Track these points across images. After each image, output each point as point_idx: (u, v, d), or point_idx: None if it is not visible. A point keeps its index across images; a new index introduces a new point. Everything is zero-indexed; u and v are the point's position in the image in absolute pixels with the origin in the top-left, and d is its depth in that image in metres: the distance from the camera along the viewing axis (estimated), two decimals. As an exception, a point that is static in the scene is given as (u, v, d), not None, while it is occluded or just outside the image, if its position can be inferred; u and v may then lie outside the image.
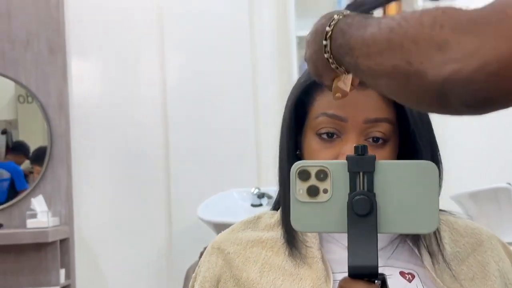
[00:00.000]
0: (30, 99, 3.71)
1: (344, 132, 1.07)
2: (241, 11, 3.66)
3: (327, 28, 0.86)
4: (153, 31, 3.72)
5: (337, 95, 0.94)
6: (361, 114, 1.06)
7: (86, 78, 3.76)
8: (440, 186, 1.08)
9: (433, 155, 1.10)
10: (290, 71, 3.55)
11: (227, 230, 1.21)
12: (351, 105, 1.06)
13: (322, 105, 1.09)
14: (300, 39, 3.55)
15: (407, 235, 1.10)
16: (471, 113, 0.72)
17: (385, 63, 0.75)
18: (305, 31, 3.54)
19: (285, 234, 1.11)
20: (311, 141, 1.10)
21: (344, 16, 0.86)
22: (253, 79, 3.67)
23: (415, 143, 1.09)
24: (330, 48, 0.86)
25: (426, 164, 0.75)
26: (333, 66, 0.87)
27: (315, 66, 0.93)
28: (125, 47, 3.74)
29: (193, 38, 3.68)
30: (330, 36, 0.86)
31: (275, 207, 1.21)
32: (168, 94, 3.69)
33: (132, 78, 3.75)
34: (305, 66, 3.45)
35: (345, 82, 0.93)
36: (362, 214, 0.72)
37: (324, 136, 1.09)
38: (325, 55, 0.87)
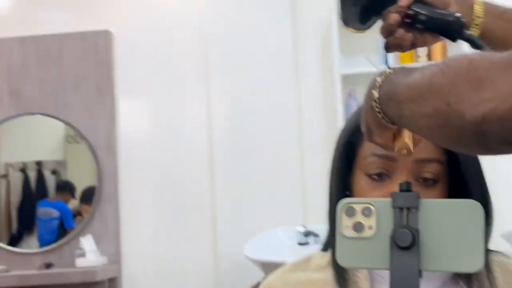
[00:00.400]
0: (78, 139, 3.79)
1: (394, 172, 1.08)
2: (285, 50, 3.70)
3: (378, 78, 0.89)
4: (199, 71, 3.78)
5: (403, 151, 0.95)
6: (411, 154, 1.07)
7: (134, 118, 3.83)
8: (489, 225, 1.08)
9: (483, 195, 1.09)
10: (335, 109, 3.56)
11: (277, 270, 1.21)
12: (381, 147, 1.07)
13: (371, 146, 1.09)
14: (344, 77, 3.56)
15: (459, 276, 1.09)
16: (510, 151, 0.72)
17: (427, 106, 0.76)
18: (349, 69, 3.56)
19: (336, 274, 1.11)
20: (361, 181, 1.11)
21: (395, 69, 0.89)
22: (298, 117, 3.69)
23: (465, 183, 1.08)
24: (378, 97, 0.88)
25: (470, 203, 0.75)
26: (379, 115, 0.88)
27: (367, 120, 0.94)
28: (172, 87, 3.81)
29: (239, 78, 3.73)
30: (380, 86, 0.88)
31: (324, 248, 1.21)
32: (214, 132, 3.72)
33: (178, 117, 3.80)
34: (350, 104, 3.44)
35: (409, 138, 0.94)
36: (404, 246, 0.72)
37: (374, 176, 1.09)
38: (373, 103, 0.89)
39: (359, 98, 3.64)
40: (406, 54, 3.55)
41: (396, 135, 0.95)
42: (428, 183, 1.07)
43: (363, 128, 0.97)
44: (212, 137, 3.73)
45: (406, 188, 0.76)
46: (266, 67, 3.71)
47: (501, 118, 0.68)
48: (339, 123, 3.52)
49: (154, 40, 3.83)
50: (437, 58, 3.50)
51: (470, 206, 0.75)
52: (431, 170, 1.07)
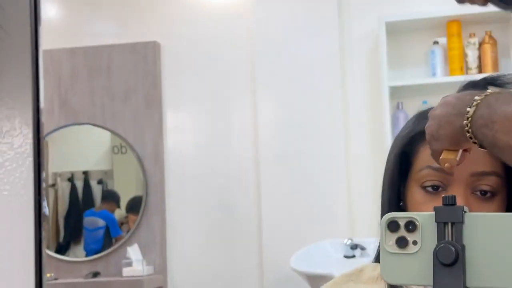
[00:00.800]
0: (124, 149, 3.83)
1: (449, 185, 1.05)
2: (333, 62, 3.68)
3: (477, 97, 0.87)
4: (246, 84, 3.79)
5: (446, 165, 0.95)
6: (468, 167, 1.04)
7: (181, 130, 3.85)
8: None
9: None
10: (382, 121, 3.52)
11: (329, 283, 1.19)
12: (436, 162, 1.05)
13: (427, 158, 1.07)
14: (392, 89, 3.53)
15: None
16: None
17: None
18: (397, 82, 3.53)
19: (389, 286, 1.09)
20: (415, 193, 1.09)
21: (497, 92, 0.87)
22: (345, 129, 3.67)
23: None
24: (472, 116, 0.87)
25: None
26: (468, 134, 0.87)
27: (442, 127, 0.93)
28: (219, 99, 3.82)
29: (285, 91, 3.72)
30: (477, 105, 0.86)
31: (376, 260, 1.19)
32: (260, 144, 3.72)
33: (225, 129, 3.81)
34: (398, 116, 3.39)
35: (456, 154, 0.94)
36: (447, 263, 0.70)
37: (429, 188, 1.07)
38: (464, 122, 0.87)
39: (407, 110, 3.60)
40: (457, 66, 3.50)
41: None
42: (486, 196, 1.05)
43: (430, 134, 0.95)
44: (258, 149, 3.73)
45: (450, 202, 0.73)
46: (314, 79, 3.70)
47: None
48: (387, 135, 3.48)
49: (202, 52, 3.85)
50: (488, 71, 3.43)
51: None
52: (488, 183, 1.04)
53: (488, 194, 1.05)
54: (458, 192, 1.04)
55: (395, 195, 1.12)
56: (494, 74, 1.05)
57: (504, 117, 0.79)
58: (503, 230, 0.72)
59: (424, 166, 1.07)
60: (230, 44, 3.83)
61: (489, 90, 0.87)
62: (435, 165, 1.05)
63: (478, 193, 1.05)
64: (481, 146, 0.87)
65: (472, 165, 1.04)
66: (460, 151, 0.94)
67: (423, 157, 1.08)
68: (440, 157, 0.95)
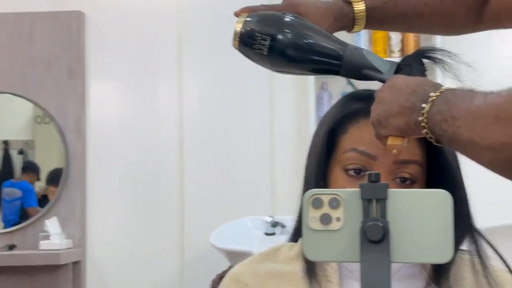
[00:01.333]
0: (47, 119, 3.74)
1: (372, 170, 1.06)
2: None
3: (432, 93, 0.87)
4: (172, 57, 3.74)
5: (393, 151, 0.96)
6: (392, 154, 1.06)
7: (104, 102, 3.79)
8: (470, 229, 1.08)
9: (462, 199, 1.09)
10: (307, 101, 3.56)
11: (245, 261, 1.19)
12: (383, 144, 1.06)
13: (354, 140, 1.08)
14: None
15: (431, 277, 1.09)
16: None
17: (492, 139, 0.75)
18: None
19: (306, 266, 1.10)
20: (337, 176, 1.09)
21: (453, 89, 0.87)
22: (270, 107, 3.68)
23: (443, 186, 1.08)
24: (428, 112, 0.86)
25: (439, 193, 0.75)
26: (424, 131, 0.87)
27: (392, 117, 0.93)
28: (144, 72, 3.77)
29: (212, 67, 3.70)
30: (433, 101, 0.86)
31: (293, 238, 1.20)
32: (185, 120, 3.70)
33: (150, 103, 3.77)
34: (322, 96, 3.43)
35: (403, 141, 0.95)
36: (375, 240, 0.71)
37: (351, 172, 1.08)
38: (419, 118, 0.87)
39: (331, 90, 3.64)
40: (380, 49, 3.55)
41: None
42: (405, 183, 1.07)
43: (376, 118, 0.95)
44: (182, 125, 3.71)
45: (375, 179, 0.74)
46: (241, 57, 3.67)
47: None
48: (311, 115, 3.52)
49: (128, 24, 3.78)
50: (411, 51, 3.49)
51: (439, 196, 0.74)
52: (409, 171, 1.07)
53: (408, 182, 1.07)
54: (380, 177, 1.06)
55: (320, 174, 1.12)
56: (427, 47, 1.06)
57: (467, 113, 0.80)
58: (425, 206, 0.74)
59: (350, 148, 1.08)
60: (158, 17, 3.78)
61: (443, 87, 0.88)
62: (361, 148, 1.07)
63: (398, 179, 1.07)
64: (437, 141, 0.87)
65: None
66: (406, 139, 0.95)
67: (350, 138, 1.09)
68: (388, 143, 0.95)
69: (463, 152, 0.82)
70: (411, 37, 3.56)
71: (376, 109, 0.96)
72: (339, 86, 3.65)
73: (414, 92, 0.89)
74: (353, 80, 3.57)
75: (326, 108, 3.55)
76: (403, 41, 3.57)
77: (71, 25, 3.74)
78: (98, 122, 3.77)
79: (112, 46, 3.79)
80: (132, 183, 3.73)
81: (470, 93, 0.82)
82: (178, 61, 3.73)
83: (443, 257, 0.74)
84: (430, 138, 0.87)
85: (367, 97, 1.11)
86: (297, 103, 3.69)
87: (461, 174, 1.10)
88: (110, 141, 3.76)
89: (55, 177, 3.73)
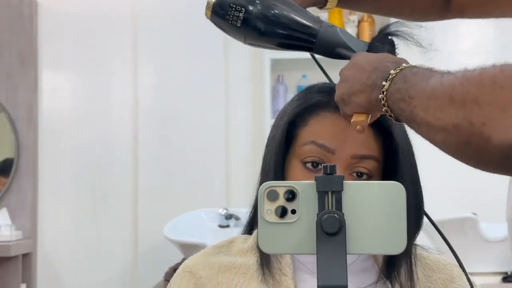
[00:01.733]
0: (-2, 108, 3.68)
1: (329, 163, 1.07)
2: (216, 31, 3.66)
3: (392, 71, 0.87)
4: (127, 48, 3.71)
5: (358, 127, 0.95)
6: (350, 149, 1.06)
7: (57, 92, 3.73)
8: (420, 227, 1.09)
9: (416, 193, 1.10)
10: (263, 94, 3.56)
11: (198, 253, 1.18)
12: (342, 138, 1.06)
13: (313, 132, 1.08)
14: (273, 61, 3.56)
15: (382, 270, 1.10)
16: None
17: (445, 120, 0.76)
18: (278, 54, 3.56)
19: (260, 259, 1.10)
20: (295, 168, 1.09)
21: (412, 66, 0.87)
22: (226, 99, 3.67)
23: (399, 180, 1.09)
24: (387, 89, 0.86)
25: (393, 185, 0.75)
26: (383, 109, 0.87)
27: (354, 95, 0.93)
28: (98, 62, 3.72)
29: (167, 58, 3.68)
30: (392, 78, 0.86)
31: (247, 231, 1.19)
32: (140, 111, 3.67)
33: (103, 93, 3.73)
34: (278, 89, 3.42)
35: (368, 117, 0.95)
36: (331, 232, 0.72)
37: (309, 165, 1.08)
38: (380, 96, 0.87)
39: (287, 83, 3.65)
40: (336, 15, 3.56)
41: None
42: (362, 178, 1.08)
43: (340, 96, 0.95)
44: (137, 116, 3.67)
45: (330, 171, 0.75)
46: (196, 48, 3.67)
47: None
48: (267, 107, 3.52)
49: (82, 13, 3.73)
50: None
51: (392, 188, 0.75)
52: (366, 166, 1.08)
53: (364, 176, 1.08)
54: (337, 172, 1.06)
55: (279, 166, 1.12)
56: (389, 23, 1.06)
57: (423, 93, 0.80)
58: (379, 197, 0.75)
59: (309, 140, 1.08)
60: (112, 7, 3.73)
61: (404, 64, 0.88)
62: (319, 141, 1.07)
63: (355, 174, 1.08)
64: (397, 119, 0.88)
65: (353, 147, 1.07)
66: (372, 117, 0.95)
67: (310, 131, 1.09)
68: (352, 120, 0.96)
69: (419, 132, 0.82)
70: (366, 31, 3.59)
71: (340, 87, 0.96)
72: (294, 79, 3.66)
73: (375, 70, 0.90)
74: (307, 73, 3.59)
75: (281, 100, 3.56)
76: (358, 35, 3.60)
77: (23, 13, 3.67)
78: (50, 112, 3.71)
79: (66, 35, 3.73)
80: (85, 175, 3.69)
81: (428, 72, 0.82)
82: (133, 52, 3.70)
83: (396, 249, 0.74)
84: (390, 116, 0.88)
85: (328, 90, 1.11)
86: (252, 95, 3.69)
87: (416, 171, 1.12)
88: (63, 131, 3.70)
89: (5, 168, 3.66)
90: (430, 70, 0.83)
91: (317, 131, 1.08)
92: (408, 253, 1.10)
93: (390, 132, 1.08)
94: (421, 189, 1.12)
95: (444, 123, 0.76)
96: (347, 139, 1.06)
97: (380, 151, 1.09)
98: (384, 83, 0.87)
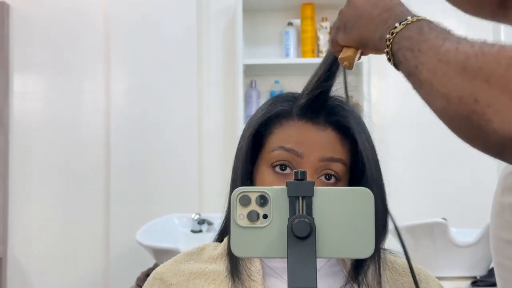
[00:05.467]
0: (-32, 114, 3.64)
1: (298, 167, 1.09)
2: (189, 36, 3.67)
3: (409, 17, 0.83)
4: (99, 51, 3.70)
5: (344, 63, 0.94)
6: (318, 152, 1.08)
7: (28, 96, 3.71)
8: (386, 230, 1.11)
9: (382, 198, 1.12)
10: (236, 99, 3.57)
11: (169, 260, 1.20)
12: (309, 143, 1.08)
13: (280, 139, 1.11)
14: (246, 67, 3.58)
15: (350, 274, 1.11)
16: None
17: (450, 88, 0.73)
18: (251, 60, 3.59)
19: (230, 265, 1.11)
20: (264, 173, 1.11)
21: (430, 21, 0.83)
22: (199, 104, 3.68)
23: (365, 184, 1.11)
24: (398, 33, 0.82)
25: (361, 191, 0.77)
26: (386, 49, 0.84)
27: (358, 26, 0.89)
28: (70, 66, 3.71)
29: (140, 61, 3.67)
30: (407, 24, 0.82)
31: (219, 238, 1.21)
32: (111, 116, 3.65)
33: (75, 97, 3.71)
34: (251, 94, 3.43)
35: (355, 54, 0.93)
36: (302, 236, 0.73)
37: (278, 168, 1.10)
38: (387, 35, 0.83)
39: (260, 88, 3.66)
40: (309, 48, 3.59)
41: (346, 47, 0.93)
42: (329, 180, 1.10)
43: (343, 23, 0.93)
44: (108, 120, 3.66)
45: (301, 177, 0.76)
46: (169, 52, 3.67)
47: None
48: (240, 112, 3.53)
49: (54, 16, 3.71)
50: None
51: (361, 194, 0.77)
52: (334, 168, 1.10)
53: (332, 179, 1.10)
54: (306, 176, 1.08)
55: (246, 174, 1.14)
56: None
57: (435, 53, 0.76)
58: (348, 203, 0.76)
59: (277, 146, 1.11)
60: (84, 11, 3.72)
61: (423, 16, 0.84)
62: (288, 145, 1.09)
63: (323, 177, 1.10)
64: (395, 65, 0.84)
65: (321, 150, 1.09)
66: (359, 52, 0.93)
67: (277, 138, 1.11)
68: (340, 56, 0.95)
69: (417, 89, 0.79)
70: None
71: (345, 13, 0.93)
72: (267, 85, 3.68)
73: (389, 9, 0.86)
74: (280, 79, 3.60)
75: (254, 106, 3.57)
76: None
77: (-6, 16, 3.64)
78: (21, 116, 3.68)
79: (38, 39, 3.71)
80: (57, 179, 3.66)
81: (446, 33, 0.79)
82: (105, 56, 3.69)
83: (364, 252, 0.76)
84: (389, 59, 0.84)
85: (291, 99, 1.14)
86: (225, 100, 3.70)
87: (380, 174, 1.14)
88: (34, 135, 3.68)
89: (-25, 172, 3.62)
90: (448, 32, 0.79)
91: (284, 138, 1.10)
92: (376, 256, 1.12)
93: (355, 138, 1.10)
94: (385, 193, 1.14)
95: (448, 91, 0.73)
96: (315, 144, 1.09)
97: (347, 155, 1.11)
98: (397, 24, 0.83)
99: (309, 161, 1.09)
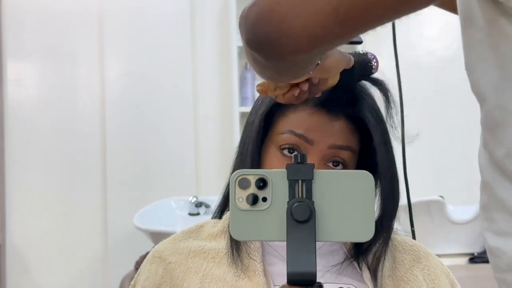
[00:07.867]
0: (-38, 101, 3.63)
1: (307, 153, 1.08)
2: (183, 20, 3.66)
3: None
4: (93, 37, 3.68)
5: (258, 88, 0.98)
6: (327, 140, 1.08)
7: (23, 82, 3.69)
8: (394, 218, 1.11)
9: (394, 190, 1.12)
10: (231, 81, 3.56)
11: (168, 239, 1.20)
12: (320, 131, 1.08)
13: (292, 123, 1.10)
14: (241, 49, 3.56)
15: (350, 252, 1.11)
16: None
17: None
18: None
19: (231, 243, 1.11)
20: (272, 154, 1.11)
21: None
22: (194, 88, 3.67)
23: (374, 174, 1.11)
24: None
25: (362, 174, 0.77)
26: None
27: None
28: (64, 51, 3.69)
29: (134, 45, 3.66)
30: None
31: (217, 215, 1.20)
32: (107, 100, 3.64)
33: (70, 83, 3.70)
34: (246, 76, 3.42)
35: (273, 85, 0.96)
36: (301, 220, 0.73)
37: (286, 151, 1.10)
38: None
39: (254, 70, 3.65)
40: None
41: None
42: (337, 167, 1.10)
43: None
44: (104, 105, 3.65)
45: (301, 160, 0.76)
46: (163, 36, 3.65)
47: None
48: (235, 95, 3.52)
49: (47, 1, 3.68)
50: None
51: (361, 177, 0.76)
52: (342, 156, 1.10)
53: (339, 166, 1.10)
54: (314, 161, 1.08)
55: (256, 153, 1.13)
56: None
57: None
58: (348, 186, 0.76)
59: (287, 130, 1.10)
60: (77, -5, 3.70)
61: None
62: (298, 131, 1.09)
63: (330, 163, 1.10)
64: None
65: (331, 138, 1.09)
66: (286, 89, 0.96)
67: (288, 121, 1.11)
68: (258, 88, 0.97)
69: None
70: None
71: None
72: (262, 66, 3.66)
73: None
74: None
75: (249, 88, 3.56)
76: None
77: (-14, 3, 3.62)
78: (16, 103, 3.67)
79: (31, 25, 3.68)
80: (53, 165, 3.66)
81: None
82: (99, 41, 3.67)
83: (364, 236, 0.76)
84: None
85: None
86: (220, 83, 3.69)
87: (393, 162, 1.14)
88: (30, 121, 3.67)
89: (-28, 160, 3.62)
90: None
91: (295, 122, 1.10)
92: (383, 237, 1.12)
93: (367, 128, 1.10)
94: (398, 183, 1.13)
95: None
96: (326, 131, 1.09)
97: (356, 143, 1.11)
98: None
99: (318, 149, 1.09)
